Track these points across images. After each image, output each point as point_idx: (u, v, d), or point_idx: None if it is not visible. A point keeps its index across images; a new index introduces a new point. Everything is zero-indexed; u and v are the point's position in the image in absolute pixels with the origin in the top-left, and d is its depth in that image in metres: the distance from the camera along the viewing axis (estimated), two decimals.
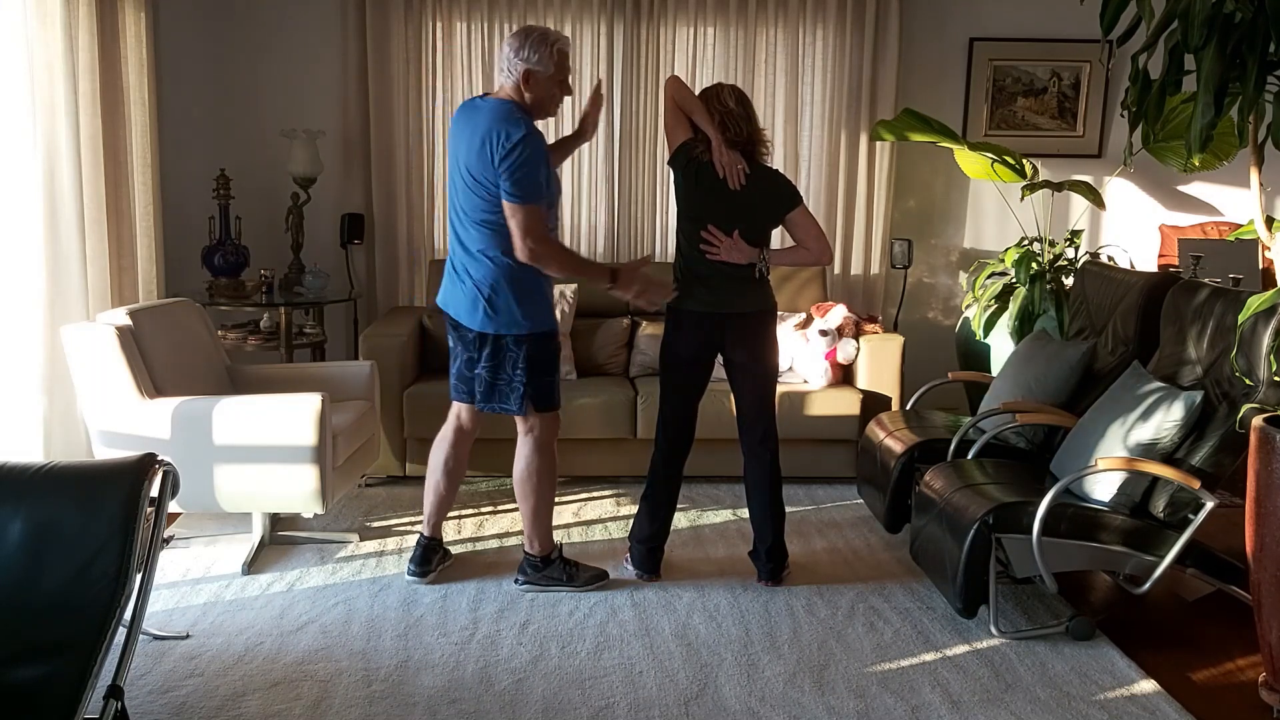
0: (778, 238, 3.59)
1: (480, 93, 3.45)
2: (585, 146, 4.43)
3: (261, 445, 3.52)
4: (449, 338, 3.50)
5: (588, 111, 3.60)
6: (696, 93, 3.49)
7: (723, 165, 3.37)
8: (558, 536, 3.69)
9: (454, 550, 3.87)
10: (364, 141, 5.21)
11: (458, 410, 3.56)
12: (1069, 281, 4.83)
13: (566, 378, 4.61)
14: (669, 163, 3.52)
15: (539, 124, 3.28)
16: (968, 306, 5.11)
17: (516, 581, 3.57)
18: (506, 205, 3.19)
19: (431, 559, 3.64)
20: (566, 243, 5.07)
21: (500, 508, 4.38)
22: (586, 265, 3.79)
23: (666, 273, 3.61)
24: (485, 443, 4.57)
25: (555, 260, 3.28)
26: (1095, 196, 4.88)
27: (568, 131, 4.50)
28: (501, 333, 3.32)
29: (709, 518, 4.30)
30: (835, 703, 2.85)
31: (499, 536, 4.04)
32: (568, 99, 3.45)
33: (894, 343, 4.73)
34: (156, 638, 3.14)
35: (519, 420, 3.45)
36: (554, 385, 3.44)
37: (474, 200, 3.25)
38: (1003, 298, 4.90)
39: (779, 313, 3.68)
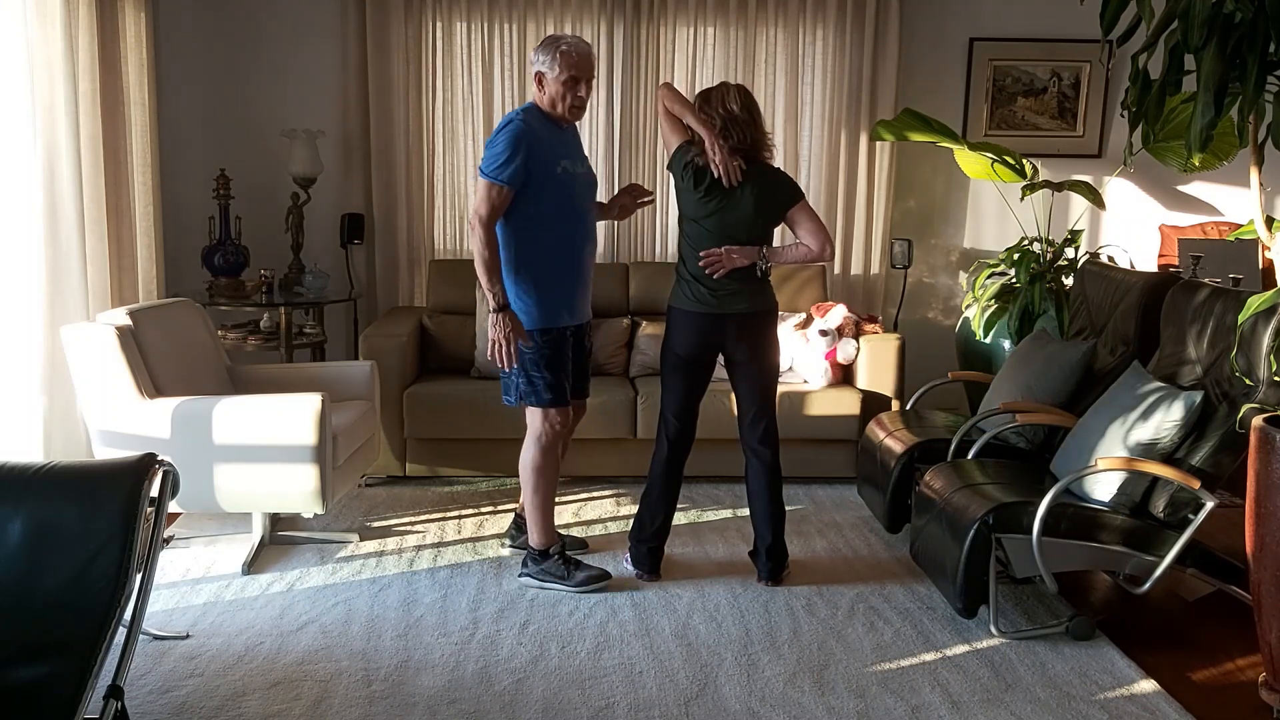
0: (778, 236, 3.58)
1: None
2: (586, 147, 4.42)
3: (261, 445, 3.52)
4: None
5: (617, 197, 3.77)
6: (703, 89, 3.50)
7: (716, 163, 3.37)
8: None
9: (453, 550, 3.87)
10: (364, 141, 5.21)
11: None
12: (1069, 281, 4.82)
13: None
14: (668, 167, 3.53)
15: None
16: (968, 306, 5.11)
17: (519, 574, 3.58)
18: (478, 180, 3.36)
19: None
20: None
21: (500, 508, 4.38)
22: (491, 279, 3.32)
23: (668, 272, 3.60)
24: (485, 443, 4.61)
25: (477, 249, 3.31)
26: (1095, 196, 4.88)
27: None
28: None
29: (709, 518, 4.30)
30: (835, 703, 2.85)
31: (499, 537, 4.04)
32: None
33: (894, 343, 4.72)
34: (156, 638, 3.14)
35: (528, 416, 3.47)
36: (556, 384, 3.44)
37: None
38: (1003, 298, 4.90)
39: (779, 313, 3.68)
